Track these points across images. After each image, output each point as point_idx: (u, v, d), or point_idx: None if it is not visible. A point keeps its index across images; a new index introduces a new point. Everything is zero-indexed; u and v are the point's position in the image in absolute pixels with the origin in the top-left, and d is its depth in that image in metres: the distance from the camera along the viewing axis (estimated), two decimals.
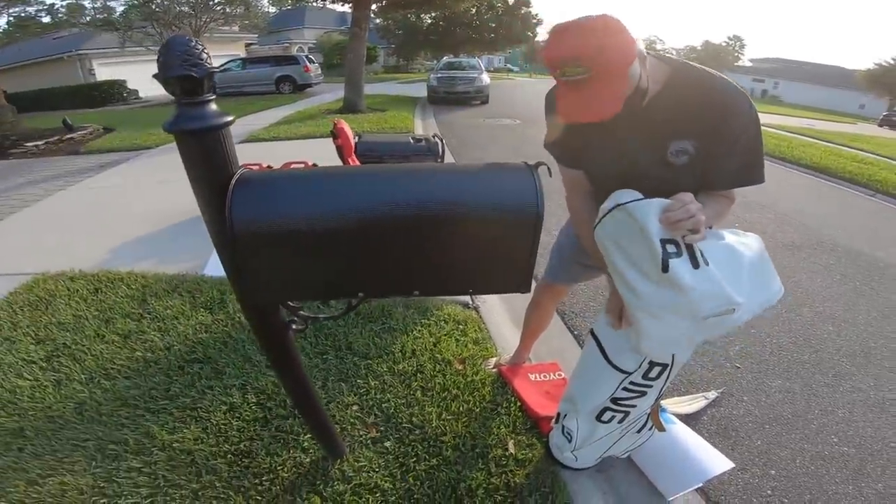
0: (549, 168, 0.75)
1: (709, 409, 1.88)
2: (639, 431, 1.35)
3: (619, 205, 0.90)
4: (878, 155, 9.06)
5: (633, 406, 1.19)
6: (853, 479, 1.60)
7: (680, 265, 0.84)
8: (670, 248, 0.84)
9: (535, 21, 28.33)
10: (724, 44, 48.51)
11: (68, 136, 7.87)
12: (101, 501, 1.29)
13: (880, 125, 21.13)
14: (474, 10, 24.90)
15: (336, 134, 2.29)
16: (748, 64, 46.11)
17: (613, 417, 1.22)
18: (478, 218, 0.66)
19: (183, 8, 14.36)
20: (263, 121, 8.77)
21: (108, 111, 13.62)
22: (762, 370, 2.17)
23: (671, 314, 0.88)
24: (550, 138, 1.12)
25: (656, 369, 1.10)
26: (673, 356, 1.08)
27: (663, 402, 1.77)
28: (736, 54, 47.58)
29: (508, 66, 46.29)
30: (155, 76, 0.64)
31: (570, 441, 1.33)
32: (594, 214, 0.98)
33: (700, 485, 1.46)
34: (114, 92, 16.42)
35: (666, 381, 1.15)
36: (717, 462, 1.51)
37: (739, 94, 0.90)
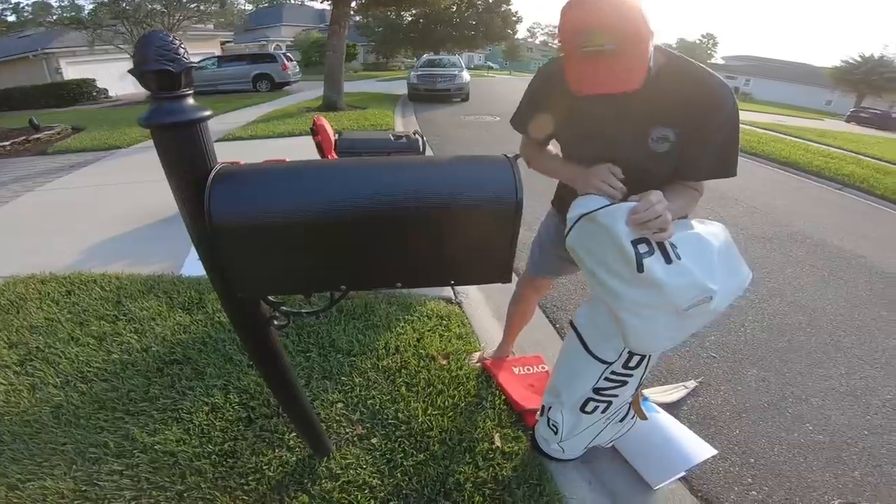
0: (526, 160, 0.77)
1: (689, 399, 1.93)
2: (621, 420, 1.37)
3: (584, 214, 0.92)
4: (844, 150, 9.39)
5: (615, 395, 1.21)
6: (830, 467, 1.64)
7: (654, 263, 0.86)
8: (642, 248, 0.87)
9: (514, 19, 28.49)
10: (697, 41, 49.69)
11: (35, 136, 7.57)
12: None
13: (847, 121, 21.89)
14: (455, 8, 24.92)
15: (315, 131, 2.27)
16: (720, 61, 47.29)
17: (597, 408, 1.24)
18: (457, 209, 0.67)
19: (154, 6, 13.90)
20: (241, 119, 8.60)
21: (78, 110, 13.17)
22: (737, 359, 2.22)
23: (653, 310, 0.91)
24: (521, 116, 1.15)
25: (636, 358, 1.12)
26: None
27: (645, 392, 1.81)
28: (709, 52, 48.74)
29: (489, 63, 46.44)
30: (131, 71, 0.63)
31: (556, 433, 1.34)
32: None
33: (684, 472, 1.49)
34: (83, 91, 15.88)
35: (645, 369, 1.18)
36: (700, 449, 1.54)
37: (727, 91, 0.92)
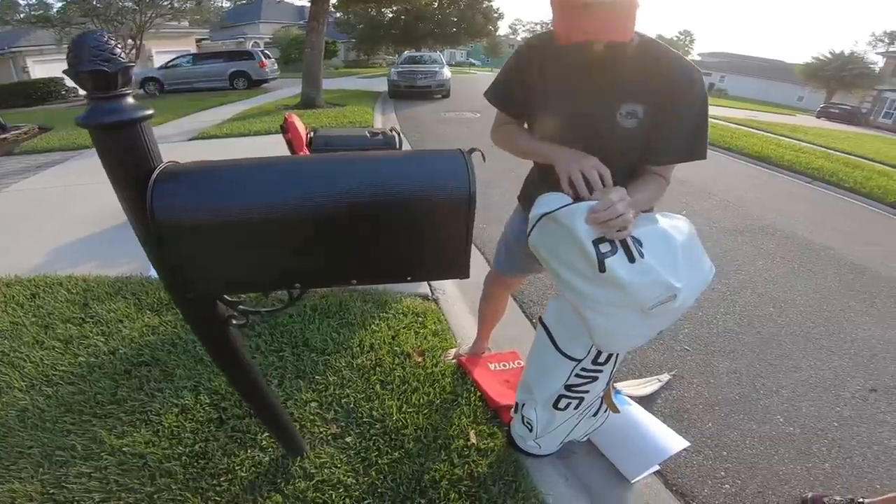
0: (482, 154, 0.77)
1: (662, 392, 1.95)
2: (595, 415, 1.38)
3: (545, 214, 0.92)
4: (815, 144, 9.68)
5: (587, 391, 1.21)
6: (801, 460, 1.66)
7: (616, 262, 0.85)
8: (604, 248, 0.86)
9: (496, 15, 28.51)
10: (675, 38, 50.59)
11: (1, 136, 7.28)
12: None
13: (818, 116, 22.59)
14: (436, 5, 24.82)
15: (286, 128, 2.24)
16: (697, 58, 48.29)
17: (569, 404, 1.24)
18: (409, 204, 0.66)
19: (125, 3, 13.48)
20: (217, 117, 8.43)
21: (46, 109, 12.73)
22: (710, 352, 2.25)
23: (617, 309, 0.90)
24: (497, 88, 1.16)
25: (604, 354, 1.12)
26: None
27: (618, 385, 1.82)
28: (686, 49, 49.67)
29: (470, 60, 46.42)
30: (65, 72, 0.62)
31: (531, 430, 1.34)
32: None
33: (658, 465, 1.49)
34: (51, 90, 15.30)
35: (615, 364, 1.19)
36: (673, 441, 1.54)
37: (696, 73, 0.95)
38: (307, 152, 2.66)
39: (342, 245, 0.70)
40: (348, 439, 1.48)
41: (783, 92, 34.57)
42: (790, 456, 1.68)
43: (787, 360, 2.25)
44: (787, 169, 6.81)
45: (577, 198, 0.92)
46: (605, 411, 1.39)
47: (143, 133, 0.65)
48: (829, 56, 30.87)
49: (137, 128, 0.64)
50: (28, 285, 2.42)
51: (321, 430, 1.52)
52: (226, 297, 0.85)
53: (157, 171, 0.66)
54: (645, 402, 1.84)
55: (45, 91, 15.12)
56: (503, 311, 1.78)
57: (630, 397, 1.74)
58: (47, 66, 16.35)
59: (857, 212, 5.12)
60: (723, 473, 1.59)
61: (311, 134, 3.46)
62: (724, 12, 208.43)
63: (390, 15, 26.04)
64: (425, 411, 1.59)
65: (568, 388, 1.20)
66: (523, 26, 60.14)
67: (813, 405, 1.94)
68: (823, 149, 9.12)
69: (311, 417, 1.57)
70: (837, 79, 29.53)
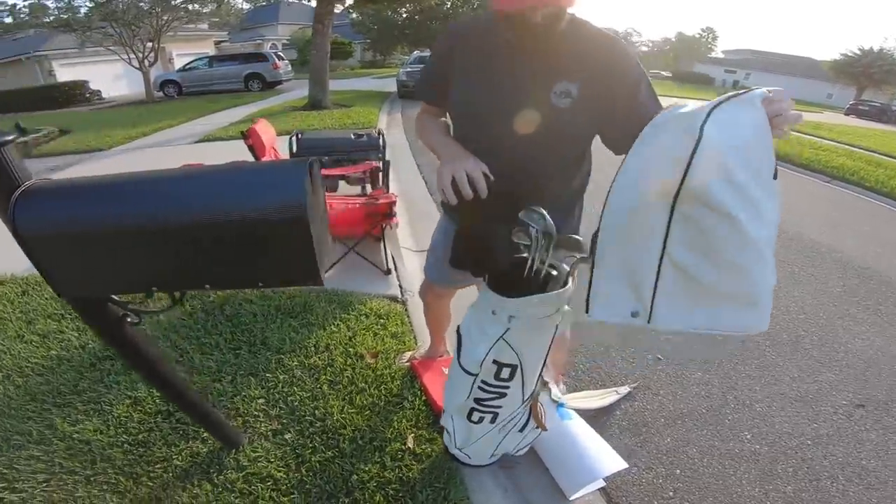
0: (320, 161, 0.77)
1: (622, 404, 1.86)
2: (521, 430, 1.32)
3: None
4: (837, 142, 9.32)
5: (499, 406, 1.16)
6: (761, 481, 1.55)
7: None
8: None
9: None
10: (697, 35, 49.40)
11: (22, 139, 7.61)
12: (1, 485, 1.33)
13: (846, 114, 21.73)
14: (449, 4, 24.80)
15: (247, 135, 2.31)
16: (720, 55, 47.00)
17: (483, 418, 1.19)
18: (242, 219, 0.69)
19: (142, 5, 13.82)
20: (227, 119, 8.63)
21: (69, 112, 13.24)
22: (683, 362, 2.14)
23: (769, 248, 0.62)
24: (424, 81, 1.14)
25: (506, 370, 1.07)
26: (521, 359, 1.05)
27: (569, 396, 1.74)
28: (709, 46, 48.44)
29: None
30: None
31: (451, 438, 1.32)
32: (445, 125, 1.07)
33: (593, 484, 1.41)
34: (76, 93, 15.96)
35: (524, 381, 1.11)
36: (610, 462, 1.43)
37: (628, 50, 0.95)
38: (272, 157, 2.71)
39: (187, 255, 0.74)
40: (287, 436, 1.50)
41: (812, 89, 33.41)
42: (750, 477, 1.56)
43: (768, 372, 2.12)
44: (803, 167, 6.59)
45: (458, 200, 0.90)
46: (536, 427, 1.33)
47: (4, 156, 0.70)
48: (858, 53, 29.82)
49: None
50: (20, 283, 2.52)
51: (263, 425, 1.54)
52: (114, 297, 0.87)
53: (19, 189, 0.71)
54: (601, 413, 1.78)
55: (70, 94, 15.76)
56: (448, 318, 1.71)
57: (581, 409, 1.66)
58: (73, 70, 17.05)
59: (876, 212, 4.87)
60: (671, 494, 1.50)
61: (297, 137, 3.53)
62: (748, 8, 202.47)
63: (404, 14, 26.15)
64: (367, 413, 1.59)
65: (477, 401, 1.15)
66: None
67: (788, 421, 1.82)
68: (847, 146, 8.76)
69: (256, 413, 1.59)
70: (867, 76, 28.47)
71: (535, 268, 0.96)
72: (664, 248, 0.61)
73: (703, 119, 0.55)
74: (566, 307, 1.06)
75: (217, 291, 2.27)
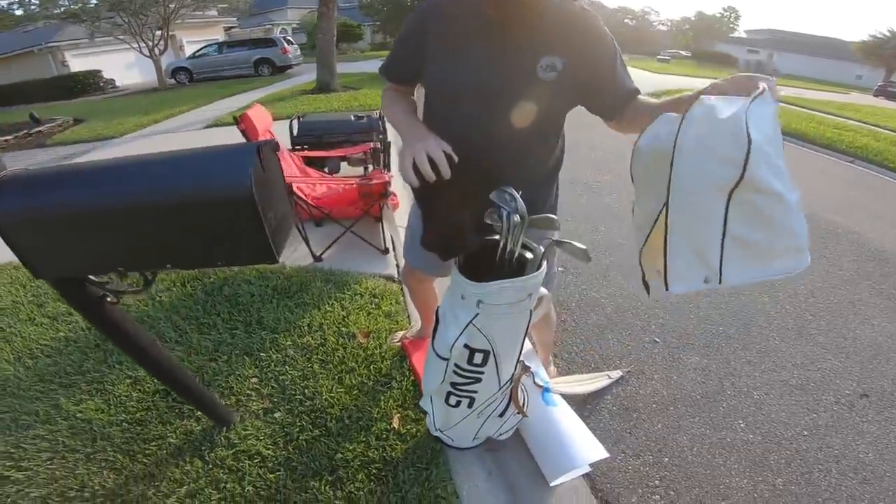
0: (278, 144, 0.77)
1: (614, 388, 1.82)
2: (501, 415, 1.30)
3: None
4: (863, 122, 8.93)
5: (475, 391, 1.14)
6: (750, 472, 1.50)
7: None
8: None
9: None
10: (718, 15, 47.55)
11: (36, 129, 7.77)
12: (8, 464, 1.38)
13: (875, 95, 20.86)
14: None
15: (239, 120, 2.33)
16: (743, 35, 45.15)
17: (460, 402, 1.18)
18: (188, 203, 0.71)
19: None
20: (235, 104, 8.66)
21: (83, 102, 13.44)
22: (681, 345, 2.08)
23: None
24: (393, 59, 1.11)
25: (478, 356, 1.05)
26: (493, 345, 1.03)
27: (557, 380, 1.72)
28: (731, 25, 46.60)
29: None
30: None
31: (431, 420, 1.31)
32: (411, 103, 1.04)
33: (575, 471, 1.37)
34: (90, 82, 16.08)
35: (498, 367, 1.09)
36: (591, 450, 1.38)
37: (595, 18, 0.96)
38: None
39: (147, 236, 0.77)
40: (277, 414, 1.53)
41: (840, 70, 32.06)
42: (740, 468, 1.51)
43: (770, 358, 2.03)
44: (825, 147, 6.34)
45: (423, 184, 0.87)
46: (517, 412, 1.32)
47: None
48: (887, 34, 28.45)
49: None
50: None
51: (255, 404, 1.57)
52: (91, 278, 0.89)
53: None
54: (593, 397, 1.76)
55: (84, 83, 15.90)
56: (435, 299, 1.65)
57: (567, 395, 1.62)
58: (85, 60, 17.15)
59: None
60: (657, 482, 1.46)
61: (298, 119, 3.52)
62: None
63: None
64: (355, 392, 1.61)
65: (453, 385, 1.13)
66: None
67: (786, 410, 1.75)
68: (872, 127, 8.39)
69: (248, 392, 1.62)
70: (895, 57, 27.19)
71: (507, 251, 0.93)
72: (725, 226, 0.73)
73: (745, 123, 0.67)
74: (543, 290, 1.04)
75: (217, 272, 2.30)
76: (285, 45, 15.03)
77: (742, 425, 1.68)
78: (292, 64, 15.27)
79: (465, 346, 1.02)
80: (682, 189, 0.73)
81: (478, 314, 0.96)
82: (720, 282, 0.76)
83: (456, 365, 1.07)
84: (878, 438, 1.66)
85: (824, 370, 1.98)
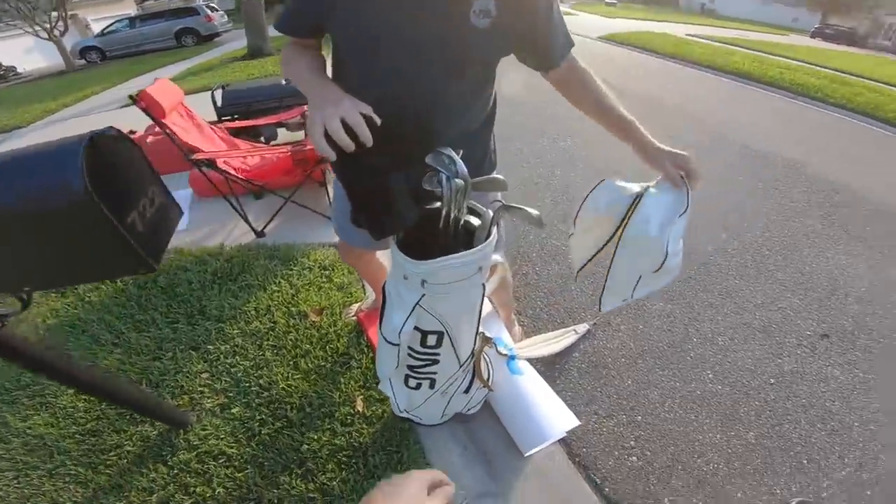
0: (111, 132, 0.60)
1: (581, 343, 1.76)
2: (466, 391, 1.24)
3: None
4: (802, 62, 9.19)
5: (434, 373, 1.07)
6: (722, 426, 1.47)
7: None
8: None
9: None
10: None
11: None
12: None
13: (812, 37, 21.57)
14: None
15: (139, 97, 2.08)
16: None
17: (420, 384, 1.11)
18: (22, 211, 0.57)
19: None
20: (154, 79, 7.85)
21: None
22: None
23: None
24: (295, 11, 0.91)
25: (431, 337, 0.96)
26: (445, 325, 0.95)
27: (522, 344, 1.64)
28: None
29: None
30: None
31: (394, 402, 1.23)
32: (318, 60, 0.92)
33: (548, 442, 1.34)
34: None
35: (454, 347, 1.01)
36: (562, 420, 1.37)
37: None
38: (182, 117, 2.46)
39: None
40: (234, 410, 1.42)
41: (777, 13, 32.77)
42: (711, 423, 1.48)
43: (731, 300, 1.98)
44: (770, 85, 6.45)
45: (341, 154, 0.71)
46: (481, 387, 1.26)
47: None
48: None
49: None
50: None
51: (209, 401, 1.46)
52: None
53: None
54: (561, 357, 1.71)
55: None
56: (383, 271, 1.50)
57: (534, 358, 1.57)
58: None
59: (843, 129, 4.79)
60: (632, 443, 1.43)
61: (222, 88, 3.20)
62: None
63: None
64: (313, 377, 1.51)
65: (410, 368, 1.05)
66: None
67: (751, 356, 1.72)
68: (810, 65, 8.66)
69: (201, 389, 1.50)
70: (831, 1, 27.94)
71: (450, 220, 0.81)
72: (639, 280, 1.04)
73: (666, 246, 0.96)
74: (496, 257, 0.94)
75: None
76: (209, 12, 13.75)
77: (710, 376, 1.66)
78: (220, 31, 14.06)
79: (416, 328, 0.92)
80: (620, 262, 1.01)
81: (424, 295, 0.86)
82: (631, 299, 1.09)
83: (409, 348, 0.98)
84: (842, 385, 1.64)
85: (784, 310, 1.96)
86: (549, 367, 1.67)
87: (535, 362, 1.57)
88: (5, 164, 0.59)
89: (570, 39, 0.97)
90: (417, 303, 0.87)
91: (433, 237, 0.84)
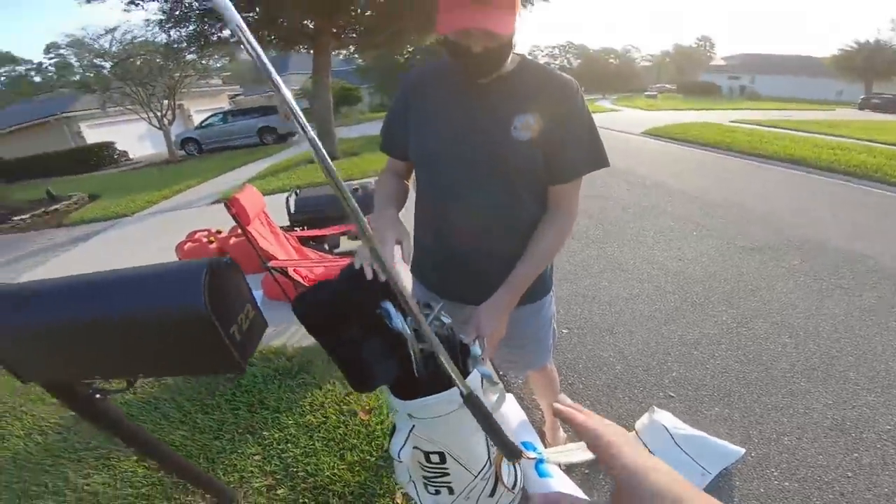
0: (228, 261, 0.80)
1: None
2: (491, 495, 1.15)
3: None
4: (855, 139, 8.96)
5: (449, 482, 1.04)
6: None
7: None
8: None
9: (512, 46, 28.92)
10: (694, 45, 49.62)
11: (53, 207, 8.08)
12: None
13: (860, 108, 21.24)
14: None
15: (230, 205, 2.39)
16: (721, 62, 46.79)
17: (440, 491, 1.08)
18: (145, 322, 0.75)
19: (158, 60, 13.93)
20: (241, 177, 8.95)
21: (98, 176, 13.88)
22: (699, 398, 1.97)
23: None
24: (384, 134, 1.11)
25: (434, 456, 0.95)
26: (444, 447, 0.95)
27: (553, 450, 1.58)
28: (708, 54, 48.46)
29: None
30: None
31: (419, 501, 1.22)
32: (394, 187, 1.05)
33: None
34: (105, 155, 16.44)
35: (461, 462, 0.98)
36: None
37: (574, 84, 0.97)
38: (262, 224, 2.78)
39: (115, 348, 0.81)
40: (280, 491, 1.55)
41: (819, 87, 32.78)
42: None
43: (799, 401, 1.91)
44: (825, 169, 6.25)
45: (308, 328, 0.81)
46: (513, 487, 1.27)
47: None
48: (855, 46, 29.32)
49: None
50: None
51: (258, 481, 1.60)
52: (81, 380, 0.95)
53: None
54: (594, 464, 1.64)
55: (98, 156, 16.16)
56: None
57: (567, 464, 1.53)
58: (99, 130, 17.49)
59: None
60: None
61: (296, 194, 3.69)
62: (741, 13, 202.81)
63: (405, 56, 27.00)
64: (357, 469, 1.62)
65: (425, 478, 1.04)
66: (542, 51, 60.97)
67: (823, 453, 1.64)
68: (865, 142, 8.37)
69: (252, 469, 1.65)
70: (871, 68, 27.89)
71: (420, 358, 0.81)
72: None
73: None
74: (495, 384, 0.87)
75: None
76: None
77: (775, 474, 1.59)
78: (294, 131, 15.79)
79: (415, 447, 0.94)
80: None
81: (414, 426, 0.89)
82: None
83: (417, 462, 1.00)
84: None
85: (860, 408, 1.88)
86: (583, 480, 1.63)
87: (568, 471, 1.54)
88: (139, 280, 0.78)
89: (594, 158, 0.99)
90: (411, 431, 0.89)
91: (406, 380, 0.85)
